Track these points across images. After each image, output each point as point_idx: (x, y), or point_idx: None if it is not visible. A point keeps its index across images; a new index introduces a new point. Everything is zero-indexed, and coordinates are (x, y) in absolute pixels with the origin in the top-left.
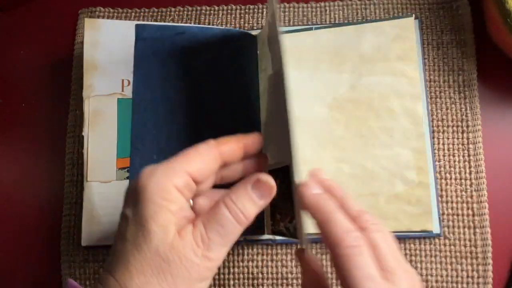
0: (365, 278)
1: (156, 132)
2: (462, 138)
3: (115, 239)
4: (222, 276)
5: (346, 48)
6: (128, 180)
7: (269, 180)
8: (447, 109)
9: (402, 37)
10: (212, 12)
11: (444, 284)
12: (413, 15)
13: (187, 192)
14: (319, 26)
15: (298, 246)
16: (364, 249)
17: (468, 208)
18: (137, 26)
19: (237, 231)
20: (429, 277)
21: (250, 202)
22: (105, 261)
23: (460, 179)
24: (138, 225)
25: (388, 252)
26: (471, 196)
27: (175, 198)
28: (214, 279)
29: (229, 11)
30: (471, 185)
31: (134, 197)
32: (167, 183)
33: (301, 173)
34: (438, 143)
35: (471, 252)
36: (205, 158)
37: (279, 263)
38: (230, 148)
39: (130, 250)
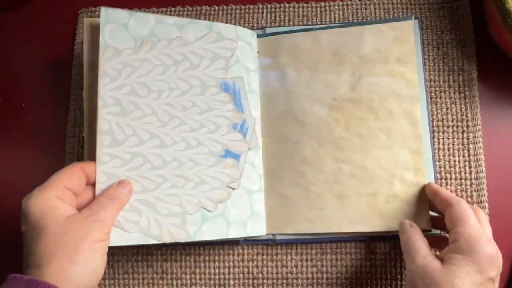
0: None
1: None
2: (462, 138)
3: (24, 252)
4: (222, 276)
5: (346, 49)
6: None
7: (128, 181)
8: (447, 109)
9: (402, 39)
10: (212, 12)
11: None
12: (412, 18)
13: (68, 199)
14: (319, 26)
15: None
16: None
17: None
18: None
19: (112, 207)
20: None
21: (118, 192)
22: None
23: (460, 179)
24: (32, 230)
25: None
26: (471, 196)
27: (56, 203)
28: (214, 279)
29: (229, 11)
30: (471, 185)
31: (23, 217)
32: (45, 196)
33: (303, 174)
34: (438, 143)
35: None
36: (74, 174)
37: (279, 263)
38: (89, 164)
39: (33, 245)
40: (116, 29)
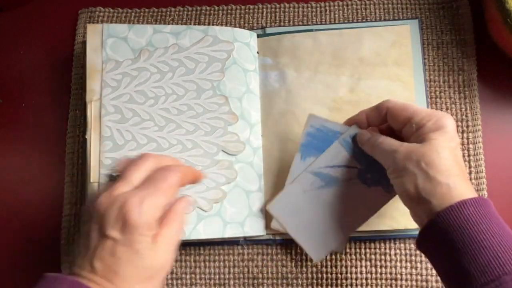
0: None
1: None
2: (462, 138)
3: (95, 248)
4: (222, 276)
5: (346, 52)
6: None
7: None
8: (447, 109)
9: (399, 43)
10: (212, 12)
11: None
12: (409, 24)
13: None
14: (319, 26)
15: None
16: None
17: None
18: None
19: (180, 231)
20: (429, 277)
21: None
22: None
23: None
24: (129, 248)
25: None
26: None
27: (154, 226)
28: (214, 279)
29: (229, 11)
30: None
31: (123, 225)
32: (152, 218)
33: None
34: None
35: None
36: (177, 188)
37: (279, 263)
38: (188, 174)
39: (126, 266)
40: (116, 42)
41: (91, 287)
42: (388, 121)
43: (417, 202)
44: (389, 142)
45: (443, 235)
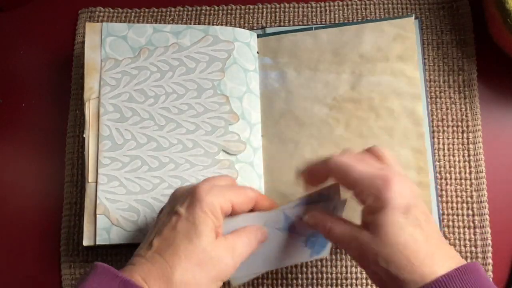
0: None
1: None
2: (462, 138)
3: (159, 227)
4: None
5: (346, 48)
6: None
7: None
8: (447, 109)
9: (402, 37)
10: (212, 12)
11: None
12: (413, 14)
13: (224, 214)
14: (319, 26)
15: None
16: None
17: (468, 208)
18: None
19: (251, 248)
20: None
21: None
22: (147, 241)
23: (460, 179)
24: (190, 223)
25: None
26: (471, 196)
27: (219, 215)
28: None
29: (229, 11)
30: (471, 185)
31: (190, 201)
32: (217, 202)
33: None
34: (438, 143)
35: (471, 252)
36: (247, 199)
37: None
38: (264, 202)
39: (181, 240)
40: (116, 41)
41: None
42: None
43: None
44: (341, 231)
45: None
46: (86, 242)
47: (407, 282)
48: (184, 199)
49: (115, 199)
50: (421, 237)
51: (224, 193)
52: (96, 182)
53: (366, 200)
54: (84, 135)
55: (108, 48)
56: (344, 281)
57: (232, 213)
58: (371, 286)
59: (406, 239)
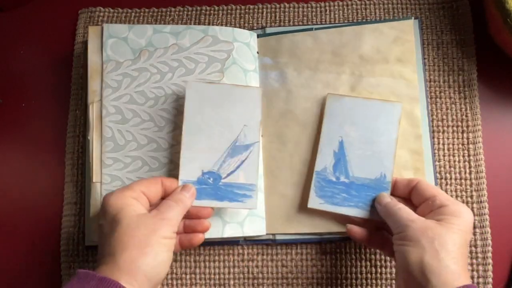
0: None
1: None
2: (462, 138)
3: (99, 243)
4: (222, 276)
5: (346, 49)
6: None
7: (191, 185)
8: (447, 109)
9: (402, 39)
10: (212, 12)
11: None
12: (413, 17)
13: (141, 201)
14: (319, 26)
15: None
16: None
17: None
18: None
19: (177, 209)
20: None
21: (181, 195)
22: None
23: (460, 179)
24: (109, 222)
25: None
26: (471, 196)
27: (132, 202)
28: (214, 279)
29: (229, 11)
30: (471, 185)
31: (102, 211)
32: (123, 195)
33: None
34: (438, 143)
35: (471, 252)
36: (152, 184)
37: (279, 263)
38: (169, 180)
39: (109, 236)
40: (117, 43)
41: (118, 282)
42: (411, 195)
43: (412, 276)
44: (408, 211)
45: None
46: (88, 242)
47: (437, 275)
48: (100, 214)
49: None
50: (463, 256)
51: (127, 187)
52: (101, 182)
53: (449, 205)
54: (88, 137)
55: (109, 50)
56: (344, 281)
57: (149, 200)
58: (371, 286)
59: (460, 245)
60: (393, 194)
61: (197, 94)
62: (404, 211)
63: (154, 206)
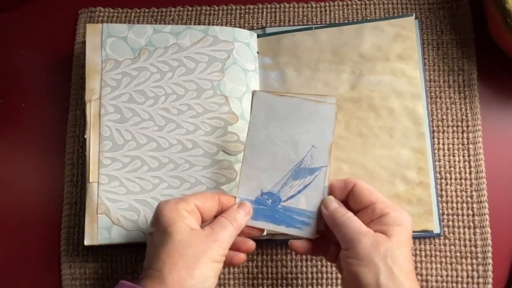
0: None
1: None
2: (462, 138)
3: (146, 251)
4: (222, 276)
5: (346, 48)
6: None
7: (248, 204)
8: (447, 109)
9: (403, 36)
10: (212, 12)
11: (444, 284)
12: (414, 14)
13: (194, 215)
14: (319, 26)
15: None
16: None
17: (468, 208)
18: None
19: (231, 229)
20: (429, 277)
21: (237, 214)
22: (143, 267)
23: (460, 179)
24: (161, 233)
25: None
26: (471, 196)
27: (186, 215)
28: None
29: (229, 11)
30: (471, 185)
31: (155, 219)
32: (179, 206)
33: None
34: (438, 143)
35: (471, 252)
36: (208, 199)
37: (279, 263)
38: (226, 197)
39: (159, 248)
40: (116, 42)
41: None
42: (348, 199)
43: None
44: (357, 222)
45: None
46: (87, 241)
47: None
48: (152, 222)
49: (116, 199)
50: (413, 268)
51: (182, 199)
52: (98, 182)
53: (390, 213)
54: (85, 136)
55: (108, 49)
56: None
57: (203, 216)
58: None
59: (408, 257)
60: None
61: (264, 107)
62: (353, 221)
63: (207, 222)
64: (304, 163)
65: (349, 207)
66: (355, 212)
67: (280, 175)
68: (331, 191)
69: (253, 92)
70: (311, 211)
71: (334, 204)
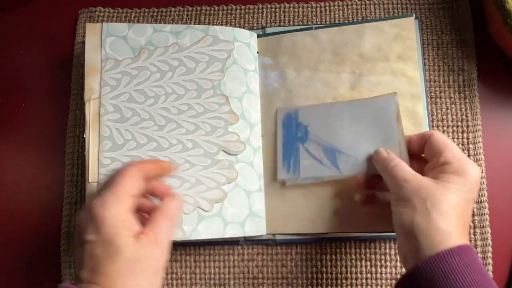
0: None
1: None
2: (462, 138)
3: (79, 259)
4: (222, 276)
5: (346, 48)
6: None
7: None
8: (447, 109)
9: (403, 36)
10: (212, 12)
11: None
12: (413, 14)
13: (133, 210)
14: (319, 26)
15: None
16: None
17: None
18: None
19: (170, 229)
20: None
21: (172, 209)
22: (76, 276)
23: None
24: (105, 245)
25: None
26: None
27: (128, 218)
28: (214, 279)
29: (229, 11)
30: None
31: (95, 226)
32: (120, 209)
33: None
34: None
35: None
36: (136, 179)
37: (279, 263)
38: (147, 163)
39: (105, 263)
40: (116, 41)
41: None
42: (424, 150)
43: (406, 237)
44: (403, 168)
45: (427, 284)
46: None
47: (426, 235)
48: (87, 225)
49: None
50: (461, 217)
51: (117, 198)
52: (97, 182)
53: (453, 162)
54: (84, 135)
55: (108, 48)
56: (344, 281)
57: (136, 201)
58: (371, 286)
59: (457, 205)
60: (409, 151)
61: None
62: (400, 168)
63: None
64: None
65: (424, 158)
66: (427, 162)
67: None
68: (410, 144)
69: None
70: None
71: (383, 154)
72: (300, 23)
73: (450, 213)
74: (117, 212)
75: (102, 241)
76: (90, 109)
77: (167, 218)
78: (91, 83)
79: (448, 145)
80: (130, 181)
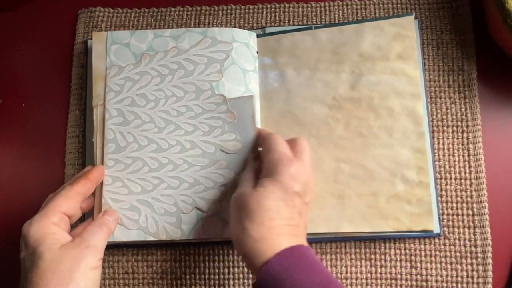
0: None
1: None
2: (462, 138)
3: (21, 278)
4: (222, 276)
5: (346, 48)
6: None
7: (114, 210)
8: (447, 109)
9: (402, 35)
10: (212, 12)
11: (444, 284)
12: (413, 13)
13: (63, 225)
14: (319, 26)
15: None
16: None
17: (468, 208)
18: None
19: (101, 233)
20: (429, 277)
21: (105, 220)
22: None
23: (460, 179)
24: (31, 256)
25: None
26: (471, 196)
27: (54, 229)
28: (214, 279)
29: (229, 11)
30: (471, 185)
31: (24, 243)
32: (45, 222)
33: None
34: (438, 143)
35: (471, 252)
36: (69, 199)
37: None
38: (83, 185)
39: (30, 271)
40: (119, 48)
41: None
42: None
43: (239, 252)
44: (244, 178)
45: None
46: None
47: (249, 248)
48: (21, 247)
49: (119, 199)
50: (279, 218)
51: (45, 213)
52: (102, 183)
53: (263, 163)
54: (93, 139)
55: (112, 56)
56: (344, 281)
57: (71, 218)
58: (371, 286)
59: (270, 207)
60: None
61: None
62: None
63: (75, 218)
64: None
65: None
66: None
67: None
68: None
69: None
70: None
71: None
72: (300, 23)
73: (263, 217)
74: (41, 226)
75: (29, 254)
76: (98, 115)
77: (98, 226)
78: (98, 90)
79: (270, 147)
80: (61, 199)
